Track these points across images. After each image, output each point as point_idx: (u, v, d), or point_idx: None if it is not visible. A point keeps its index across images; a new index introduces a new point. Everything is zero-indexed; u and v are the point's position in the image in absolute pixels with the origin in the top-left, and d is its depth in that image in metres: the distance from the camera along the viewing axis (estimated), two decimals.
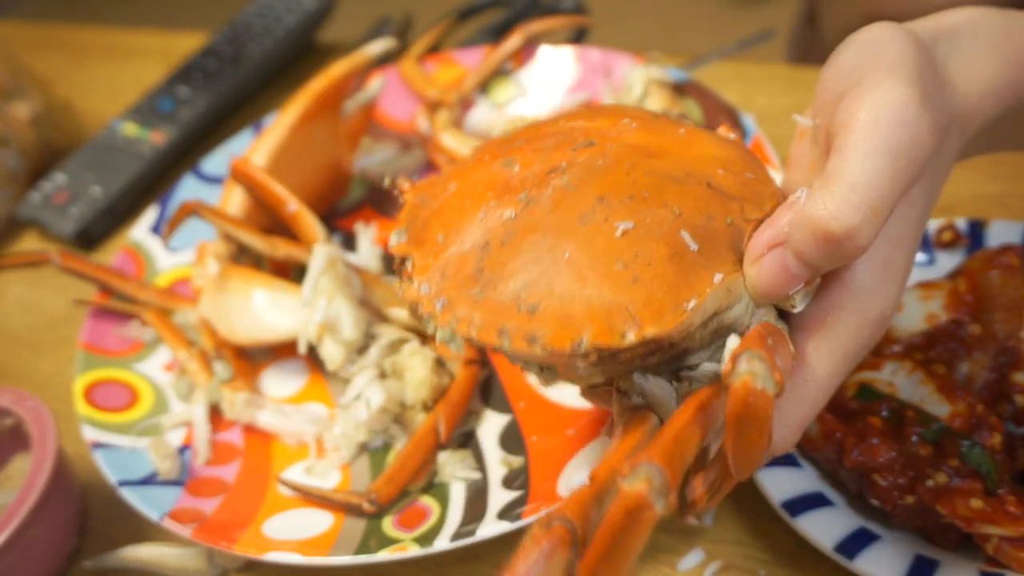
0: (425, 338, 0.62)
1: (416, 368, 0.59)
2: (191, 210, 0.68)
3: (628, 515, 0.30)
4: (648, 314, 0.35)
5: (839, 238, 0.35)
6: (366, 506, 0.54)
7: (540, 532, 0.31)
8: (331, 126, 0.75)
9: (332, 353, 0.60)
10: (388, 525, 0.54)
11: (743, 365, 0.32)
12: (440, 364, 0.61)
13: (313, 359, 0.66)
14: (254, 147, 0.72)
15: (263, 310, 0.64)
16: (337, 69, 0.75)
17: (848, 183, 0.35)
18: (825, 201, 0.35)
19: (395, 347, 0.61)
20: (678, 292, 0.35)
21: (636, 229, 0.36)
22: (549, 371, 0.40)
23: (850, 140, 0.36)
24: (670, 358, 0.38)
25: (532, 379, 0.38)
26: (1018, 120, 0.43)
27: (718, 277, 0.36)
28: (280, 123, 0.72)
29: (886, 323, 0.39)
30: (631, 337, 0.35)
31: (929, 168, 0.38)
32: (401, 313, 0.62)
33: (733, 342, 0.36)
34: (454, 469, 0.56)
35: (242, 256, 0.69)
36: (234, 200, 0.70)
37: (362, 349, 0.62)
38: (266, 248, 0.66)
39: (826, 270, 0.37)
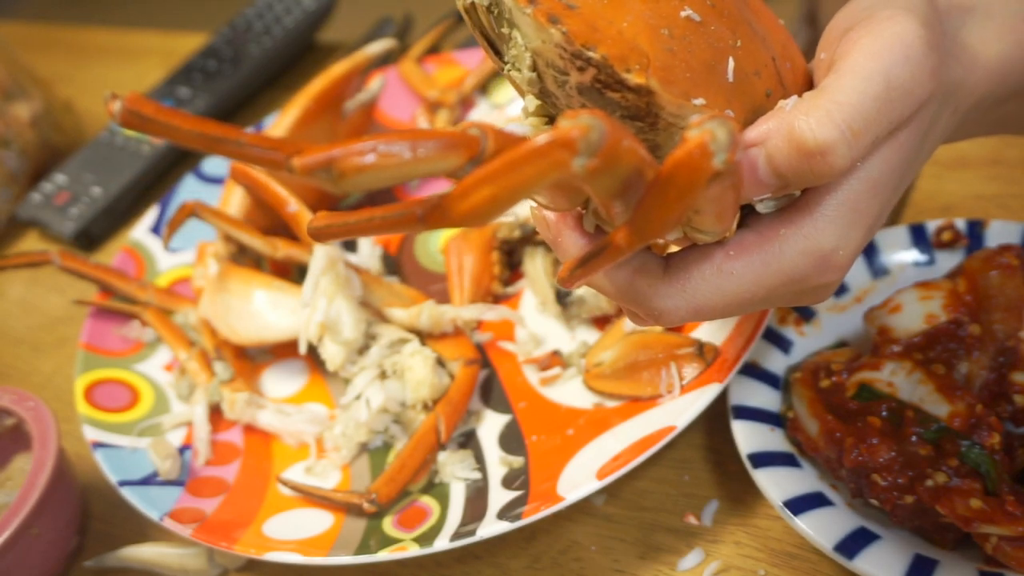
0: (425, 338, 0.62)
1: (416, 368, 0.59)
2: (191, 211, 0.68)
3: (547, 146, 0.28)
4: (661, 74, 0.35)
5: (811, 152, 0.34)
6: (366, 506, 0.54)
7: (456, 130, 0.30)
8: (331, 127, 0.75)
9: (332, 353, 0.61)
10: (388, 525, 0.54)
11: (708, 124, 0.29)
12: (440, 364, 0.61)
13: (313, 359, 0.66)
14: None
15: (263, 310, 0.64)
16: (337, 69, 0.75)
17: (835, 100, 0.35)
18: (807, 112, 0.35)
19: (395, 347, 0.61)
20: (695, 85, 0.35)
21: (698, 24, 0.36)
22: (536, 78, 0.38)
23: (848, 62, 0.36)
24: (641, 143, 0.37)
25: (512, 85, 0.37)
26: (1022, 104, 0.43)
27: (730, 113, 0.36)
28: (280, 124, 0.72)
29: (835, 269, 0.37)
30: (635, 76, 0.34)
31: (920, 120, 0.38)
32: (401, 313, 0.62)
33: None
34: (454, 469, 0.56)
35: (242, 256, 0.69)
36: (234, 200, 0.70)
37: (362, 349, 0.62)
38: (266, 249, 0.67)
39: (795, 185, 0.36)
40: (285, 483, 0.58)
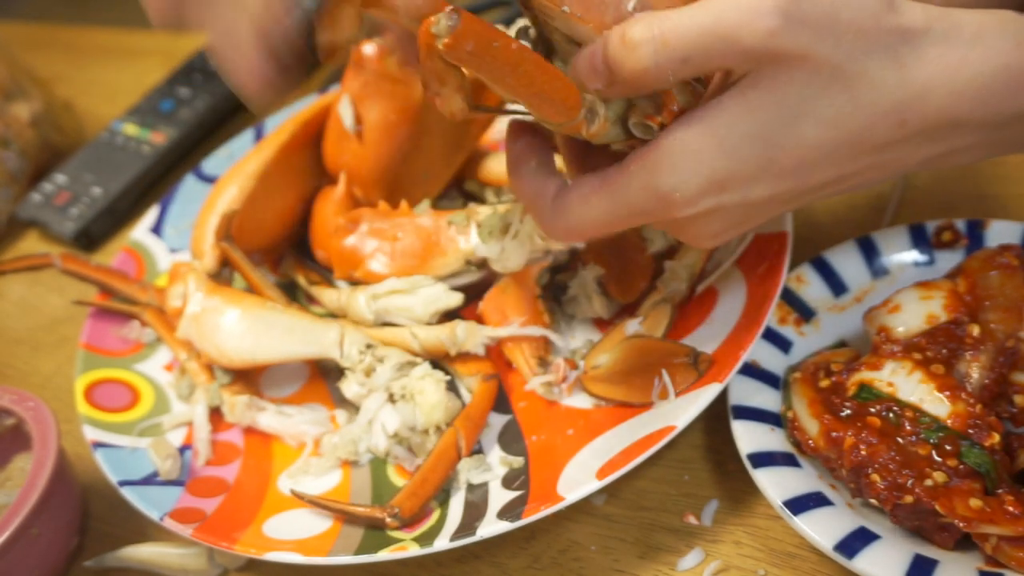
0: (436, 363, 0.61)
1: (428, 391, 0.58)
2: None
3: None
4: None
5: (620, 44, 0.39)
6: (389, 520, 0.53)
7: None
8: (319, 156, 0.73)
9: (356, 392, 0.60)
10: None
11: (442, 15, 0.38)
12: (452, 387, 0.60)
13: (314, 361, 0.66)
14: (234, 170, 0.70)
15: (254, 333, 0.62)
16: (330, 99, 0.72)
17: (665, 14, 0.39)
18: (640, 16, 0.40)
19: (404, 369, 0.60)
20: None
21: None
22: None
23: None
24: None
25: None
26: (1016, 130, 0.42)
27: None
28: (263, 148, 0.71)
29: (676, 206, 0.42)
30: None
31: (777, 87, 0.39)
32: (429, 331, 0.60)
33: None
34: (470, 475, 0.56)
35: (221, 274, 0.67)
36: (224, 199, 0.68)
37: (369, 371, 0.60)
38: (280, 300, 0.65)
39: (620, 82, 0.40)
40: (302, 497, 0.56)
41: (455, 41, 0.38)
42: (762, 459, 0.49)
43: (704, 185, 0.41)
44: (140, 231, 0.78)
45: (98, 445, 0.61)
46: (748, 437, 0.50)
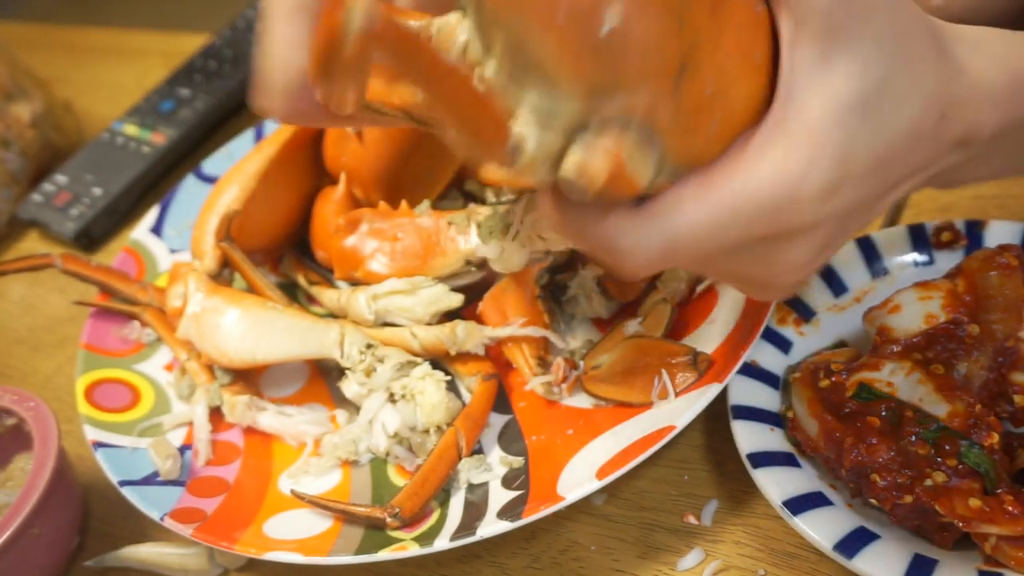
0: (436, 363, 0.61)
1: (429, 392, 0.58)
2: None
3: None
4: None
5: None
6: (390, 520, 0.53)
7: None
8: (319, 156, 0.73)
9: (356, 392, 0.60)
10: None
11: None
12: (452, 387, 0.60)
13: (314, 361, 0.66)
14: (235, 170, 0.70)
15: (254, 333, 0.62)
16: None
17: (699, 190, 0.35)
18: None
19: (404, 369, 0.59)
20: None
21: None
22: None
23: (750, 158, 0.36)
24: None
25: None
26: (1014, 141, 0.42)
27: None
28: (263, 148, 0.71)
29: (801, 205, 0.35)
30: None
31: (874, 66, 0.36)
32: (430, 331, 0.60)
33: None
34: (470, 475, 0.56)
35: (223, 271, 0.67)
36: (226, 198, 0.69)
37: (369, 371, 0.60)
38: (281, 301, 0.65)
39: None
40: (302, 497, 0.56)
41: (364, 42, 0.31)
42: (762, 459, 0.49)
43: (835, 170, 0.35)
44: (140, 231, 0.78)
45: (99, 445, 0.61)
46: (748, 437, 0.50)
